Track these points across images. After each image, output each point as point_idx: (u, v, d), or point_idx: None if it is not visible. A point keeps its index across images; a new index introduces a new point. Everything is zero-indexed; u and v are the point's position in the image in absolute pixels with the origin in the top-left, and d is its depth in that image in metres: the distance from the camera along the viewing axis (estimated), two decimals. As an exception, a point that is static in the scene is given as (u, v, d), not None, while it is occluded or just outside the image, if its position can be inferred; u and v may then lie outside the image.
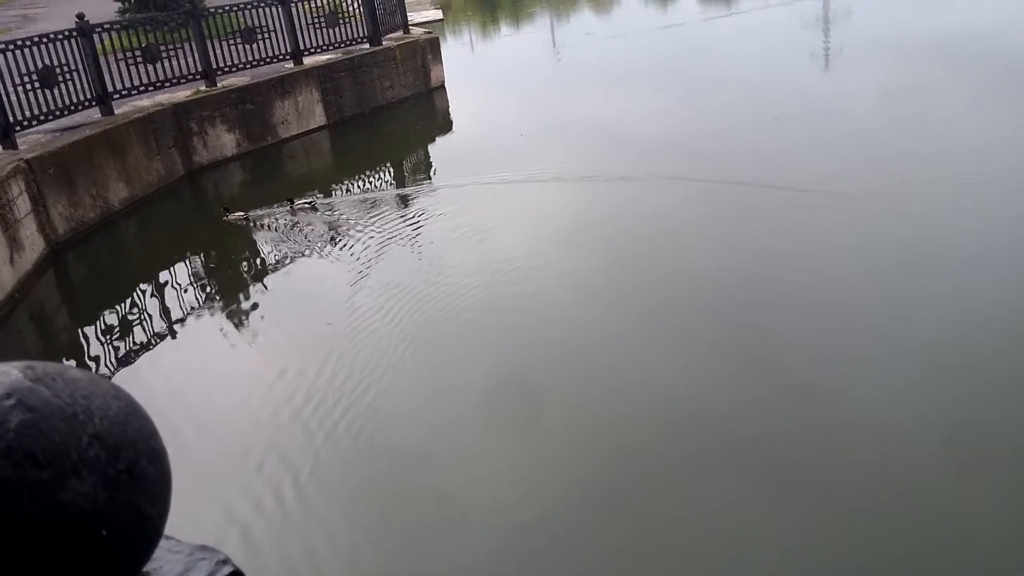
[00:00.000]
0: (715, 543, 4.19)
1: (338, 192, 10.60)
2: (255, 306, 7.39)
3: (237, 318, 7.25)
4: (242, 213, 9.62)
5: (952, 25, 16.80)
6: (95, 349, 7.04)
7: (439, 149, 12.80)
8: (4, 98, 9.29)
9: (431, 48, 15.38)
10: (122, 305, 7.88)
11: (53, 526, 0.50)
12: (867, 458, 4.60)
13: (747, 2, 25.91)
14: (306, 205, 9.71)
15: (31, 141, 9.54)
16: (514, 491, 4.72)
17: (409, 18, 16.42)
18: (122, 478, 0.53)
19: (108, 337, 7.24)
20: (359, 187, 10.74)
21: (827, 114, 11.88)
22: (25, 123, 9.56)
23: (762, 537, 4.17)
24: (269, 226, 9.27)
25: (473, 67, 19.72)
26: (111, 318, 7.59)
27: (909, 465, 4.54)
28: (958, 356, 5.51)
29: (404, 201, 10.22)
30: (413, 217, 9.55)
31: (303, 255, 8.43)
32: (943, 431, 4.79)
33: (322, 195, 10.44)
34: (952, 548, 4.02)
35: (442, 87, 15.56)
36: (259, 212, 9.65)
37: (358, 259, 8.30)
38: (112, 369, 6.56)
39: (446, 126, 14.07)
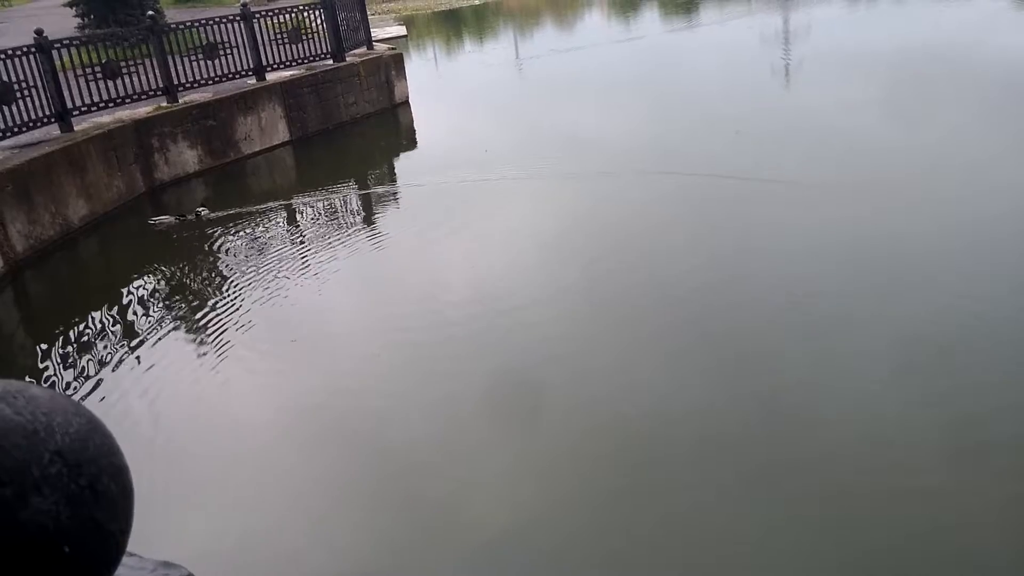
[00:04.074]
0: (706, 546, 4.26)
1: (301, 201, 10.60)
2: (217, 322, 7.35)
3: (199, 335, 7.20)
4: (169, 218, 10.06)
5: (907, 40, 17.29)
6: (55, 368, 6.96)
7: (403, 163, 12.87)
8: (-40, 115, 9.18)
9: (395, 64, 15.44)
10: (82, 324, 7.78)
11: (14, 544, 0.50)
12: (856, 455, 4.72)
13: (707, 16, 26.39)
14: (203, 212, 10.09)
15: (-12, 158, 9.41)
16: (503, 499, 4.75)
17: (373, 34, 16.46)
18: (84, 495, 0.52)
19: (68, 356, 7.15)
20: (322, 199, 10.75)
21: (786, 117, 12.41)
22: (-18, 140, 9.45)
23: (753, 539, 4.26)
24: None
25: (437, 83, 19.80)
26: (71, 337, 7.50)
27: (898, 461, 4.66)
28: (939, 349, 5.70)
29: (368, 212, 10.30)
30: (376, 228, 9.61)
31: (260, 269, 8.42)
32: (930, 426, 4.94)
33: (283, 200, 10.48)
34: (944, 545, 4.13)
35: (406, 103, 15.62)
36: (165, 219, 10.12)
37: (321, 272, 8.32)
38: (73, 388, 6.49)
39: (410, 141, 14.14)
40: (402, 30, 26.89)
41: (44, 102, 10.39)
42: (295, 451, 5.42)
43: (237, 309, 7.58)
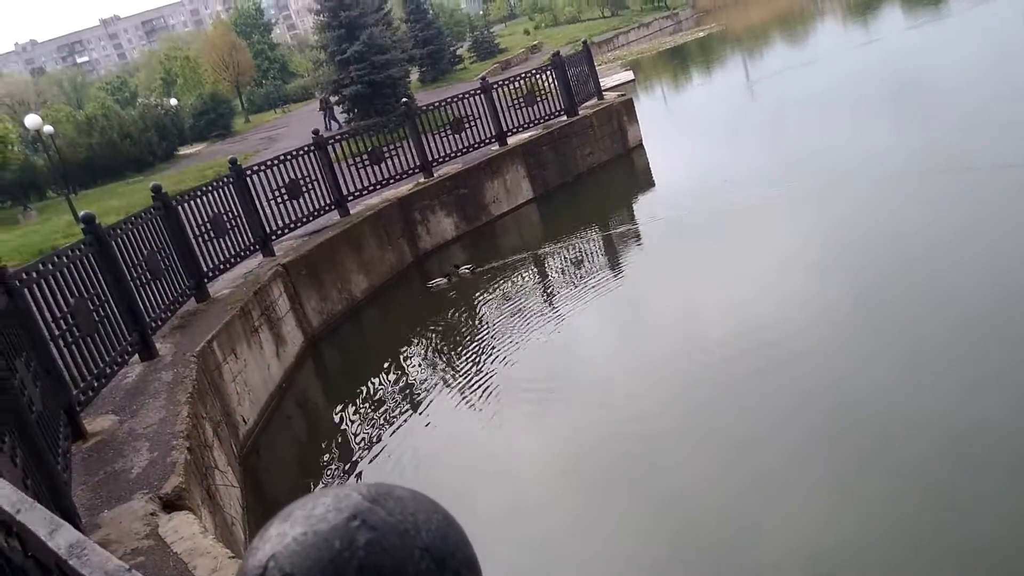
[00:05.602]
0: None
1: (548, 252, 11.11)
2: (481, 376, 7.86)
3: (467, 389, 7.72)
4: (443, 280, 11.01)
5: None
6: (352, 430, 7.80)
7: (641, 203, 13.02)
8: (261, 212, 10.71)
9: (625, 110, 15.76)
10: (371, 386, 8.67)
11: None
12: None
13: (956, 4, 24.16)
14: (466, 271, 11.06)
15: (285, 247, 10.88)
16: (790, 540, 4.60)
17: (602, 83, 16.94)
18: None
19: (360, 417, 7.99)
20: (568, 247, 11.18)
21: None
22: (279, 232, 10.94)
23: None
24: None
25: (669, 120, 19.87)
26: (364, 399, 8.38)
27: None
28: None
29: (612, 253, 10.54)
30: (621, 268, 9.82)
31: (515, 320, 8.89)
32: None
33: (532, 252, 11.02)
34: None
35: (640, 146, 15.85)
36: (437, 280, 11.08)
37: (571, 318, 8.62)
38: (365, 446, 7.24)
39: (647, 183, 14.29)
40: (629, 75, 27.34)
41: (325, 192, 11.83)
42: (571, 497, 5.63)
43: (500, 362, 8.07)
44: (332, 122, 24.73)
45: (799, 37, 29.65)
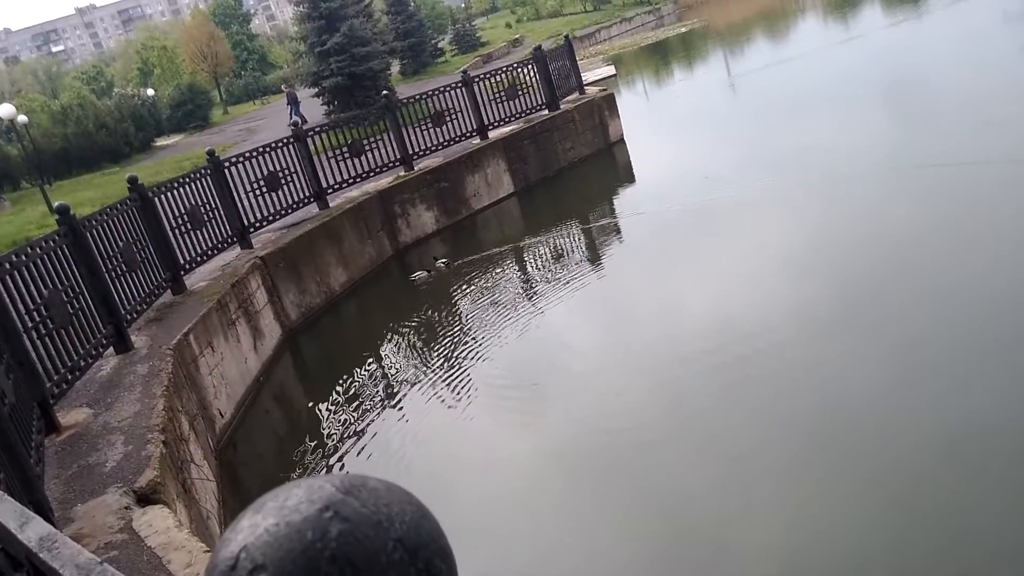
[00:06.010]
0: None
1: (529, 245, 11.10)
2: (462, 371, 7.84)
3: (448, 384, 7.70)
4: (424, 273, 10.93)
5: None
6: (329, 423, 7.76)
7: (622, 199, 13.03)
8: (239, 204, 10.60)
9: (607, 104, 15.77)
10: (349, 380, 8.62)
11: None
12: None
13: (935, 1, 24.40)
14: (441, 265, 11.00)
15: (263, 240, 10.78)
16: (767, 536, 4.62)
17: (583, 78, 16.93)
18: None
19: (338, 411, 7.95)
20: (549, 242, 11.18)
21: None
22: (257, 224, 10.83)
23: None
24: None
25: (651, 115, 19.90)
26: (341, 393, 8.33)
27: None
28: None
29: (594, 248, 10.54)
30: (602, 263, 9.83)
31: (495, 314, 8.88)
32: None
33: (513, 246, 11.00)
34: None
35: (621, 140, 15.87)
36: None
37: (553, 313, 8.62)
38: (342, 439, 7.20)
39: (628, 178, 14.31)
40: (611, 70, 27.38)
41: (304, 184, 11.74)
42: (552, 492, 5.63)
43: (478, 356, 8.05)
44: (297, 115, 24.38)
45: (780, 34, 29.83)
